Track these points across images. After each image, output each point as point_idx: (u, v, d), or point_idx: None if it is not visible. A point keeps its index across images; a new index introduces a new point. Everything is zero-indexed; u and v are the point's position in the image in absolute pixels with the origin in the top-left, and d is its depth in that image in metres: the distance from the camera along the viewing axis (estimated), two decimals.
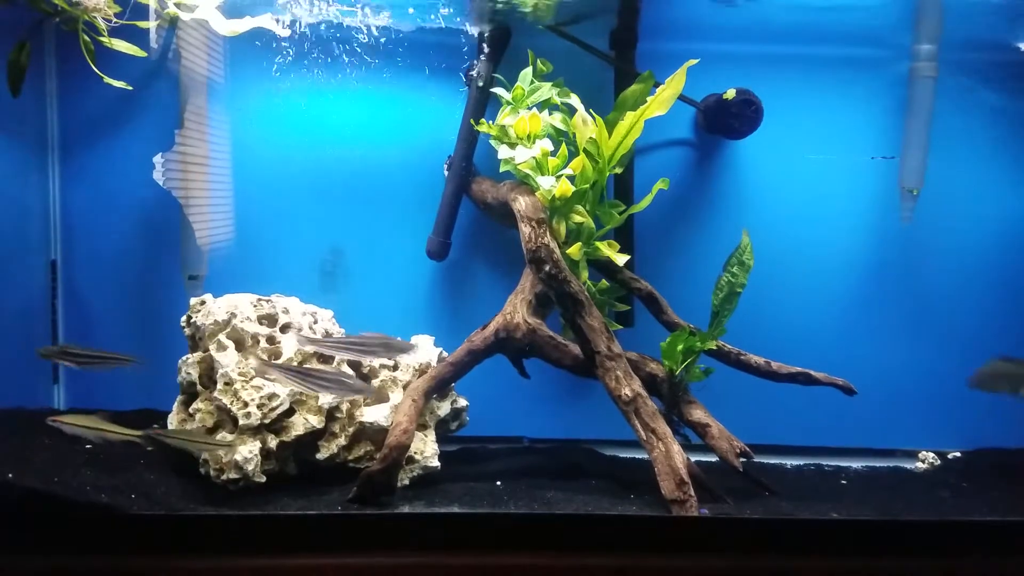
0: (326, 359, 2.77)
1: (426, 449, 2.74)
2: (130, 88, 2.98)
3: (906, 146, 3.15)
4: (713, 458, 2.77)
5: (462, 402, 2.96)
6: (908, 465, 3.17)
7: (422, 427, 2.78)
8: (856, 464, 3.12)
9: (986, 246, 3.27)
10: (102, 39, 2.84)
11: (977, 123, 3.22)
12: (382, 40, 3.10)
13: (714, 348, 2.81)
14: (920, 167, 3.12)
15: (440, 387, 2.82)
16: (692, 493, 2.45)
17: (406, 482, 2.69)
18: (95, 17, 2.79)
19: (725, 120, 3.08)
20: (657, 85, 2.88)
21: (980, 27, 3.10)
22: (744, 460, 2.71)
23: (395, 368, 2.86)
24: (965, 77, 3.19)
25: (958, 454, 3.24)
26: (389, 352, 2.56)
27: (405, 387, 2.80)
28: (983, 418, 3.22)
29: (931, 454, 3.21)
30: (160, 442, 2.50)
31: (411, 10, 2.98)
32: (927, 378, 3.21)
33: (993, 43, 3.15)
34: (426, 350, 2.94)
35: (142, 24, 2.94)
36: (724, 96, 3.03)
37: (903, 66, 3.15)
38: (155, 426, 2.59)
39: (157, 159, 3.08)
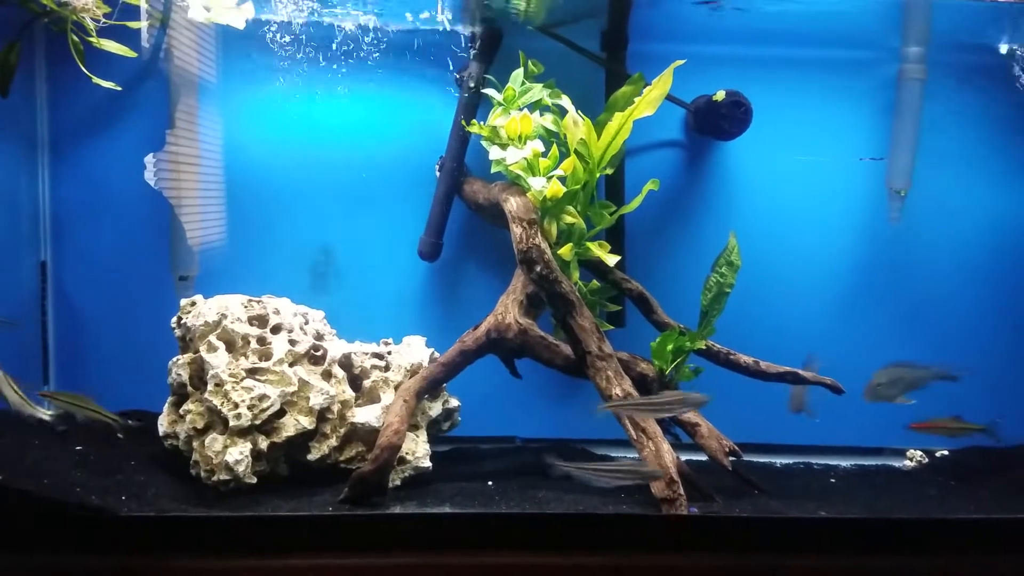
0: (317, 360, 2.78)
1: (417, 450, 2.75)
2: (119, 88, 2.97)
3: (894, 147, 3.18)
4: (703, 457, 2.78)
5: (454, 402, 2.96)
6: (896, 463, 3.20)
7: (413, 428, 2.78)
8: (845, 463, 3.15)
9: (973, 246, 3.30)
10: (91, 39, 2.83)
11: (964, 125, 3.24)
12: (373, 40, 3.10)
13: (703, 348, 2.83)
14: (908, 168, 3.15)
15: (431, 387, 2.82)
16: (682, 492, 2.46)
17: (397, 483, 2.70)
18: (83, 17, 2.78)
19: (715, 121, 3.09)
20: (647, 86, 2.90)
21: (967, 30, 3.13)
22: (733, 459, 2.72)
23: (386, 369, 2.87)
24: (953, 79, 3.21)
25: (946, 452, 3.27)
26: (685, 407, 2.61)
27: (397, 388, 2.81)
28: (970, 417, 3.25)
29: (919, 452, 3.24)
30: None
31: (408, 15, 2.99)
32: None
33: (980, 46, 3.18)
34: (418, 351, 2.94)
35: (132, 24, 2.94)
36: (714, 98, 3.05)
37: (891, 68, 3.18)
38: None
39: (148, 159, 3.07)
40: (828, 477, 3.01)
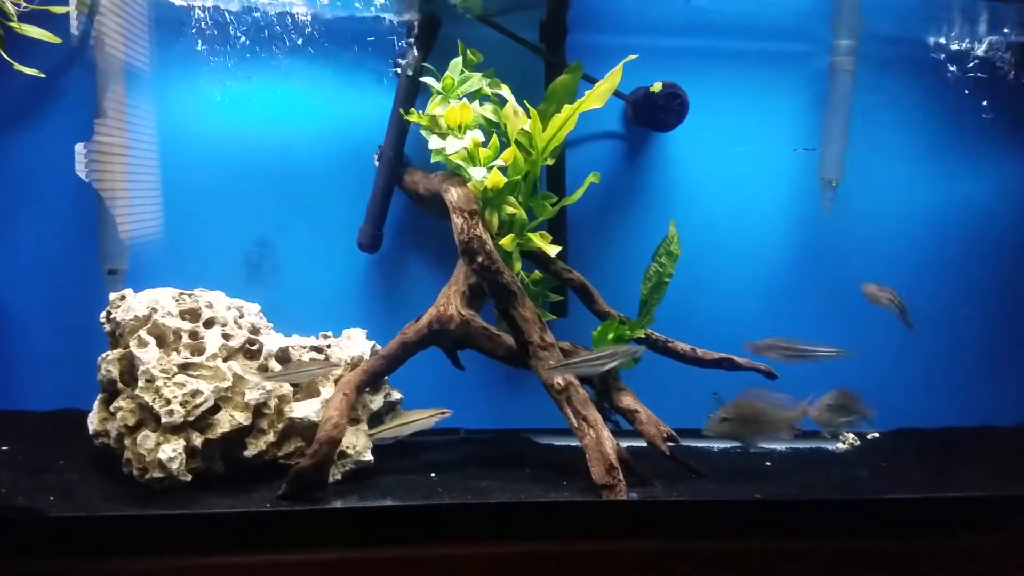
0: (252, 354, 2.73)
1: (358, 443, 2.72)
2: (42, 76, 2.86)
3: (826, 138, 3.25)
4: (643, 443, 2.81)
5: (396, 395, 2.94)
6: (830, 446, 3.28)
7: (354, 421, 2.75)
8: (781, 446, 3.21)
9: (903, 234, 3.40)
10: (12, 24, 2.72)
11: (894, 116, 3.33)
12: (310, 28, 3.04)
13: (643, 336, 2.87)
14: (839, 158, 3.23)
15: (372, 380, 2.79)
16: (621, 478, 2.49)
17: (338, 477, 2.67)
18: (3, 2, 2.67)
19: (652, 113, 3.12)
20: (586, 76, 2.91)
21: (897, 23, 3.22)
22: (671, 444, 2.77)
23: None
24: (883, 71, 3.29)
25: (877, 435, 3.36)
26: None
27: (337, 381, 2.78)
28: (901, 400, 3.36)
29: (851, 435, 3.31)
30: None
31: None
32: (847, 362, 3.30)
33: (909, 39, 3.27)
34: (358, 343, 2.92)
35: (56, 9, 2.84)
36: (651, 89, 3.07)
37: (823, 60, 3.24)
38: None
39: (79, 148, 2.97)
40: (764, 461, 3.08)
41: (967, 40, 3.22)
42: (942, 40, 3.25)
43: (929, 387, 3.44)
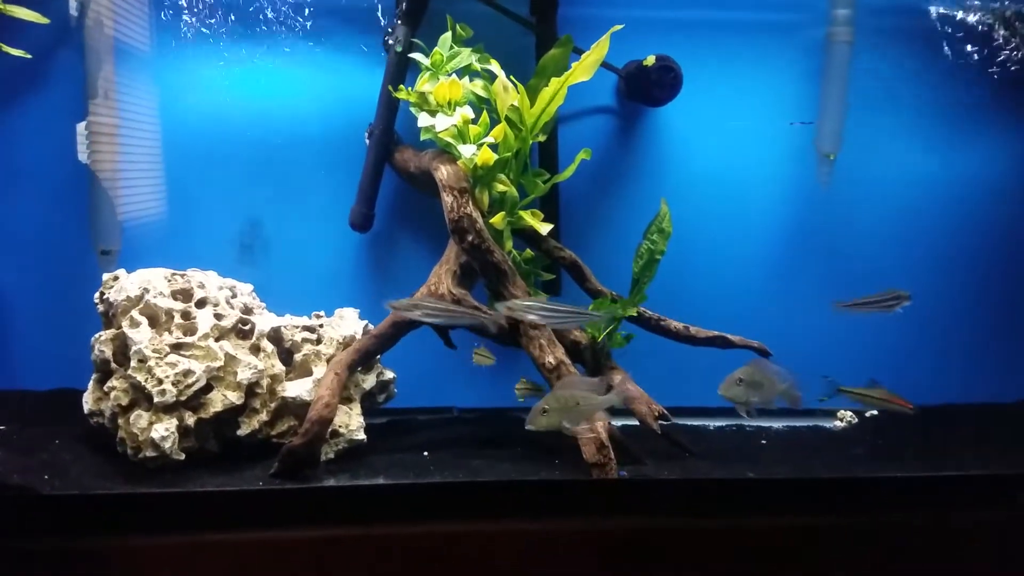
0: (244, 334, 2.73)
1: (351, 422, 2.73)
2: (29, 57, 2.85)
3: (823, 111, 3.19)
4: (635, 422, 2.80)
5: (389, 374, 2.94)
6: (827, 424, 3.25)
7: (347, 400, 2.76)
8: (777, 424, 3.19)
9: (900, 209, 3.34)
10: None
11: (892, 87, 3.27)
12: (300, 7, 3.01)
13: (635, 314, 2.85)
14: (837, 132, 3.17)
15: (364, 360, 2.79)
16: (612, 456, 2.47)
17: (331, 456, 2.67)
18: None
19: (645, 87, 3.07)
20: (577, 50, 2.87)
21: None
22: (664, 423, 2.75)
23: (318, 342, 2.83)
24: (880, 42, 3.22)
25: (875, 413, 3.32)
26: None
27: (329, 361, 2.78)
28: (899, 377, 3.31)
29: (849, 413, 3.29)
30: None
31: None
32: (843, 339, 3.28)
33: (907, 8, 3.20)
34: (350, 323, 2.91)
35: None
36: (644, 63, 3.02)
37: (819, 31, 3.18)
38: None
39: (80, 129, 2.97)
40: (760, 439, 3.06)
41: (968, 8, 3.14)
42: (942, 8, 3.18)
43: (927, 364, 3.41)
